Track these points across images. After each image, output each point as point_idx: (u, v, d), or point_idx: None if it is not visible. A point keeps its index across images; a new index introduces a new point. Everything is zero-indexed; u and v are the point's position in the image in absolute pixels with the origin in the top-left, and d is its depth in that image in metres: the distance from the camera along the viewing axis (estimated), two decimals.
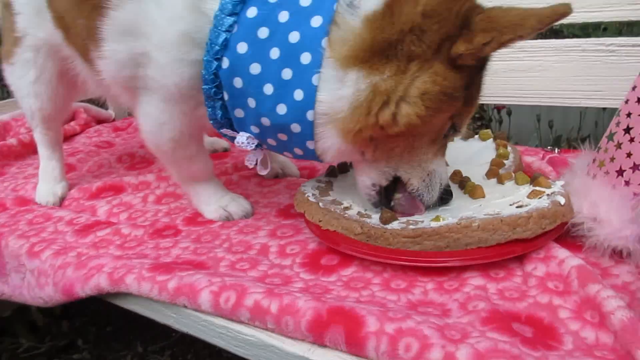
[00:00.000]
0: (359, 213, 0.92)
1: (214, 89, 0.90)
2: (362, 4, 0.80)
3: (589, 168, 0.91)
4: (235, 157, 1.52)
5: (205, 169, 1.13)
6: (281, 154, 1.00)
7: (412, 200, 0.93)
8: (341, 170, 1.11)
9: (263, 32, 0.83)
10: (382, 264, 0.86)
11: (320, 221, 0.94)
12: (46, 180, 1.36)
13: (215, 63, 0.86)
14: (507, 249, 0.82)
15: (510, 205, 0.87)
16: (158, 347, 1.71)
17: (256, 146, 0.95)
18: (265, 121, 0.88)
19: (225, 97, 0.90)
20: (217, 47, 0.85)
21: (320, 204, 0.96)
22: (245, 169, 1.42)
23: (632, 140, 0.82)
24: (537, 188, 0.90)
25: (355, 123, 0.81)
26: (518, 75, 1.36)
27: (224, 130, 0.97)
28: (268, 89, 0.84)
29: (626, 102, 0.85)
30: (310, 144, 0.88)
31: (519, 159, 1.10)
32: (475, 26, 0.78)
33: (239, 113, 0.91)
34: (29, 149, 1.69)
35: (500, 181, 0.99)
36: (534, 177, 0.93)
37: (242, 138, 0.93)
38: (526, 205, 0.85)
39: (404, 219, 0.89)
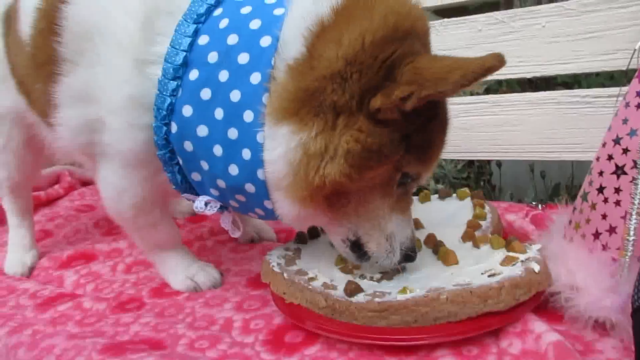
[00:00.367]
0: (324, 284, 0.87)
1: (168, 154, 0.88)
2: (288, 52, 0.77)
3: (565, 230, 0.86)
4: (213, 220, 1.48)
5: (171, 236, 1.09)
6: (246, 215, 0.96)
7: None
8: (311, 235, 1.06)
9: (206, 93, 0.81)
10: (348, 342, 0.80)
11: (284, 293, 0.88)
12: (15, 250, 1.33)
13: (164, 128, 0.85)
14: (480, 324, 0.76)
15: (482, 273, 0.81)
16: None
17: (221, 208, 0.92)
18: (221, 183, 0.85)
19: (180, 161, 0.88)
20: (164, 112, 0.84)
21: (285, 274, 0.91)
22: (221, 233, 1.38)
23: (606, 200, 0.78)
24: (511, 254, 0.84)
25: (301, 190, 0.77)
26: (494, 130, 1.33)
27: (185, 195, 0.94)
28: (217, 150, 0.82)
29: (597, 159, 0.81)
30: (268, 204, 0.84)
31: (497, 218, 1.05)
32: (399, 77, 0.72)
33: (195, 177, 0.89)
34: (5, 215, 1.67)
35: (476, 245, 0.93)
36: (508, 241, 0.88)
37: (200, 204, 0.90)
38: (498, 274, 0.80)
39: (370, 291, 0.83)
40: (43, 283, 1.21)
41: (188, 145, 0.85)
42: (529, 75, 1.26)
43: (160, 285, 1.11)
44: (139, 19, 0.84)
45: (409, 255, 0.87)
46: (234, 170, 0.82)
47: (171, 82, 0.82)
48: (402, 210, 0.86)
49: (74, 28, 0.88)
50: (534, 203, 1.27)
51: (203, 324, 0.94)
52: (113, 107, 0.87)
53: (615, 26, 1.15)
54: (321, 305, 0.83)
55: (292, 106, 0.75)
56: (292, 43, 0.77)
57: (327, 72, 0.74)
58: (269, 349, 0.83)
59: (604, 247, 0.77)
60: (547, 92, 1.25)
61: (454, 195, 1.15)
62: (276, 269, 0.92)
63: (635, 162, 0.74)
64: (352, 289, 0.82)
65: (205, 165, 0.85)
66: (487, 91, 2.11)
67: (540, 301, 0.80)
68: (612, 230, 0.77)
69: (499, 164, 2.17)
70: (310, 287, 0.86)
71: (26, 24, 0.97)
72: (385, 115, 0.74)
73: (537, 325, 0.76)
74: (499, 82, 2.04)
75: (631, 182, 0.74)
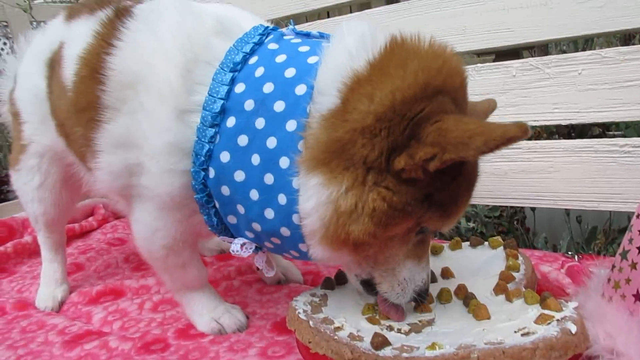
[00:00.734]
0: (350, 335, 0.85)
1: (205, 198, 0.90)
2: (322, 102, 0.78)
3: (604, 288, 0.82)
4: (241, 260, 1.47)
5: (199, 277, 1.09)
6: (281, 255, 0.97)
7: (393, 306, 0.89)
8: (338, 281, 1.04)
9: (243, 140, 0.83)
10: None
11: (309, 342, 0.86)
12: (47, 284, 1.35)
13: (202, 173, 0.87)
14: None
15: (516, 332, 0.78)
16: None
17: (257, 248, 0.93)
18: (257, 226, 0.86)
19: (217, 204, 0.90)
20: (202, 158, 0.86)
21: (311, 322, 0.89)
22: (248, 272, 1.37)
23: None
24: (546, 312, 0.81)
25: (332, 242, 0.79)
26: (529, 176, 1.30)
27: (222, 238, 0.96)
28: (254, 194, 0.83)
29: (637, 216, 0.78)
30: (303, 247, 0.85)
31: (531, 270, 1.02)
32: (424, 137, 0.71)
33: (231, 219, 0.90)
34: None
35: (509, 298, 0.90)
36: (543, 297, 0.85)
37: (236, 247, 0.91)
38: (533, 333, 0.76)
39: (397, 344, 0.81)
40: (72, 319, 1.23)
41: (225, 190, 0.86)
42: (564, 122, 1.24)
43: (185, 327, 1.11)
44: (179, 69, 0.87)
45: (419, 297, 0.88)
46: (269, 214, 0.83)
47: (209, 129, 0.84)
48: (418, 256, 0.87)
49: (118, 77, 0.91)
50: (569, 253, 1.23)
51: None
52: (153, 152, 0.89)
53: None
54: (347, 357, 0.80)
55: (323, 157, 0.76)
56: (326, 94, 0.78)
57: (359, 125, 0.74)
58: None
59: None
60: (584, 139, 1.22)
61: (486, 243, 1.12)
62: (302, 316, 0.91)
63: None
64: (379, 342, 0.80)
65: (241, 209, 0.86)
66: None
67: None
68: None
69: (532, 207, 2.12)
70: (336, 337, 0.84)
71: (69, 70, 1.01)
72: (409, 175, 0.74)
73: None
74: (534, 127, 2.01)
75: None
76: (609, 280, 0.82)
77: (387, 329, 0.87)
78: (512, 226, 2.12)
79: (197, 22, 0.92)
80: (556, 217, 2.21)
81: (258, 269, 1.29)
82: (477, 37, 1.36)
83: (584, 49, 2.21)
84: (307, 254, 0.86)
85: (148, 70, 0.89)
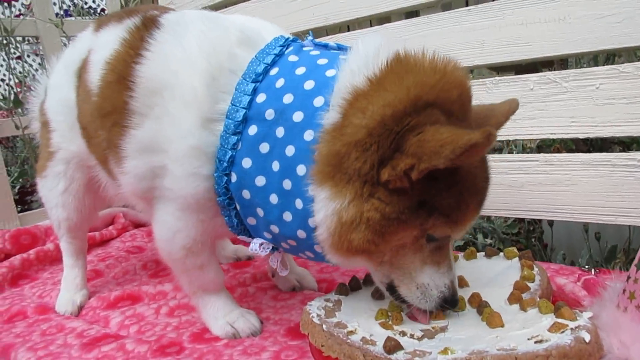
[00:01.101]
0: (363, 339, 0.85)
1: (227, 201, 0.94)
2: (328, 117, 0.81)
3: (619, 299, 0.82)
4: (256, 267, 1.49)
5: (216, 280, 1.11)
6: (297, 256, 1.00)
7: (419, 310, 0.90)
8: (352, 287, 1.05)
9: (264, 147, 0.87)
10: None
11: (322, 346, 0.87)
12: (67, 289, 1.38)
13: (225, 178, 0.91)
14: None
15: (529, 339, 0.78)
16: None
17: (272, 249, 0.97)
18: (275, 228, 0.90)
19: (237, 207, 0.94)
20: (225, 164, 0.90)
21: (324, 326, 0.90)
22: (263, 280, 1.38)
23: None
24: (560, 320, 0.81)
25: (340, 249, 0.83)
26: (545, 189, 1.30)
27: (241, 237, 1.00)
28: (273, 198, 0.87)
29: None
30: (317, 248, 0.89)
31: (546, 281, 1.01)
32: (406, 149, 0.74)
33: (251, 221, 0.94)
34: None
35: (523, 308, 0.90)
36: (557, 307, 0.84)
37: (254, 246, 0.96)
38: (546, 341, 0.76)
39: (410, 349, 0.81)
40: (90, 322, 1.25)
41: (246, 194, 0.90)
42: (581, 136, 1.24)
43: (200, 331, 1.12)
44: (204, 77, 0.91)
45: (447, 302, 0.88)
46: (287, 217, 0.87)
47: (232, 136, 0.89)
48: (437, 263, 0.87)
49: (146, 84, 0.95)
50: (586, 267, 1.22)
51: None
52: (177, 156, 0.93)
53: None
54: None
55: (328, 170, 0.80)
56: (332, 109, 0.82)
57: (352, 139, 0.78)
58: None
59: None
60: (601, 153, 1.22)
61: (502, 254, 1.12)
62: (316, 320, 0.91)
63: None
64: (392, 346, 0.81)
65: (260, 212, 0.90)
66: (540, 149, 2.08)
67: None
68: None
69: (550, 222, 2.10)
70: (349, 341, 0.85)
71: (95, 75, 1.05)
72: (395, 185, 0.77)
73: None
74: (553, 140, 2.00)
75: None
76: (624, 291, 0.81)
77: (399, 334, 0.87)
78: (529, 242, 2.10)
79: (221, 32, 0.96)
80: (574, 234, 2.18)
81: (273, 275, 1.32)
82: (495, 51, 1.37)
83: (604, 64, 2.21)
84: (322, 255, 0.89)
85: (174, 78, 0.93)
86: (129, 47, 0.99)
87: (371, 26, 1.72)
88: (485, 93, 1.34)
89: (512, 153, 2.00)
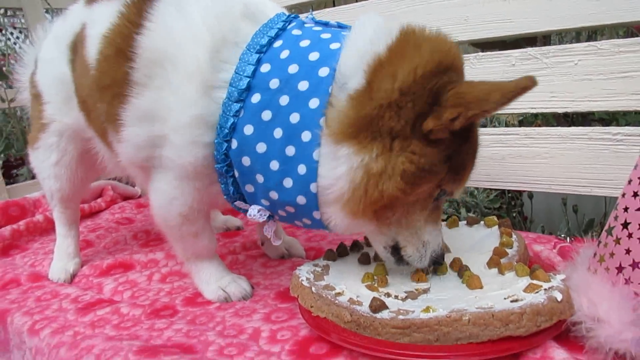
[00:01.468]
0: (350, 300, 0.90)
1: (225, 168, 0.96)
2: (349, 84, 0.86)
3: (590, 262, 0.87)
4: (245, 237, 1.53)
5: (209, 247, 1.14)
6: (292, 224, 1.04)
7: None
8: (340, 254, 1.10)
9: (267, 115, 0.90)
10: (371, 355, 0.83)
11: (311, 307, 0.92)
12: (60, 258, 1.41)
13: (225, 144, 0.94)
14: (500, 347, 0.78)
15: (505, 299, 0.83)
16: None
17: (268, 217, 1.00)
18: (274, 195, 0.93)
19: (236, 174, 0.97)
20: (226, 131, 0.93)
21: (313, 288, 0.94)
22: (253, 248, 1.42)
23: (630, 236, 0.79)
24: (534, 282, 0.86)
25: (358, 204, 0.87)
26: (525, 161, 1.35)
27: (238, 203, 1.03)
28: (274, 165, 0.91)
29: (623, 195, 0.82)
30: (316, 214, 0.93)
31: (523, 248, 1.07)
32: (445, 102, 0.82)
33: (249, 188, 0.97)
34: (53, 225, 1.76)
35: (501, 272, 0.95)
36: (532, 270, 0.90)
37: (253, 211, 0.99)
38: (521, 300, 0.81)
39: (394, 308, 0.86)
40: (84, 289, 1.28)
41: (246, 160, 0.93)
42: (560, 111, 1.28)
43: (193, 295, 1.16)
44: (207, 49, 0.93)
45: (437, 261, 0.97)
46: (288, 183, 0.91)
47: (235, 104, 0.91)
48: (434, 221, 0.96)
49: (147, 55, 0.97)
50: (562, 236, 1.28)
51: (232, 332, 0.98)
52: (178, 125, 0.95)
53: None
54: (346, 320, 0.86)
55: (351, 131, 0.85)
56: (352, 76, 0.86)
57: (385, 101, 0.83)
58: (294, 358, 0.87)
59: (627, 281, 0.78)
60: (579, 127, 1.27)
61: (482, 222, 1.17)
62: (305, 283, 0.96)
63: None
64: (377, 306, 0.85)
65: (260, 179, 0.93)
66: (522, 123, 2.13)
67: (562, 330, 0.81)
68: (635, 265, 0.78)
69: (530, 195, 2.17)
70: (336, 301, 0.90)
71: (92, 49, 1.06)
72: (437, 135, 0.84)
73: (557, 352, 0.78)
74: (535, 115, 2.05)
75: None
76: (594, 255, 0.87)
77: (385, 295, 0.92)
78: (510, 215, 2.17)
79: (225, 6, 0.98)
80: (553, 207, 2.25)
81: (262, 244, 1.36)
82: (478, 27, 1.40)
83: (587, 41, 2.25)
84: (320, 221, 0.94)
85: (177, 49, 0.95)
86: (126, 20, 1.00)
87: (357, 2, 1.74)
88: (469, 68, 1.37)
89: (495, 127, 2.05)
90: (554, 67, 1.29)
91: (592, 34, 2.14)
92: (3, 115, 2.88)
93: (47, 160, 1.33)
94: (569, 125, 2.04)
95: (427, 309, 0.83)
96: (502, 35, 1.38)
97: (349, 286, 0.95)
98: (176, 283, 1.24)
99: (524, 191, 2.10)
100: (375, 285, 0.95)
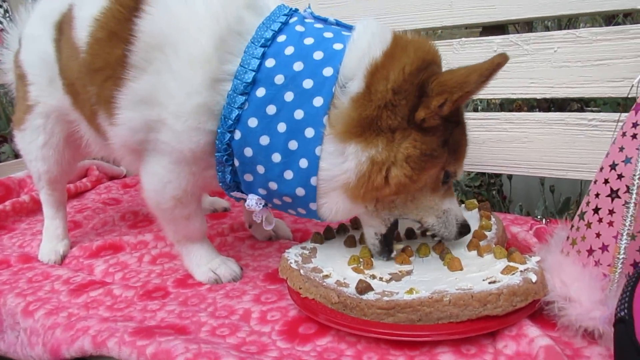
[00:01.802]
0: (337, 282, 0.95)
1: (225, 157, 0.99)
2: (350, 86, 0.91)
3: (563, 245, 0.92)
4: (233, 218, 1.56)
5: (200, 229, 1.17)
6: (286, 212, 1.07)
7: None
8: (327, 237, 1.14)
9: (271, 109, 0.93)
10: (357, 335, 0.88)
11: (300, 288, 0.96)
12: (49, 239, 1.41)
13: (228, 135, 0.96)
14: (479, 325, 0.83)
15: (484, 280, 0.89)
16: None
17: (263, 206, 1.03)
18: (273, 185, 0.97)
19: (236, 163, 1.00)
20: (230, 122, 0.95)
21: (302, 271, 0.98)
22: (240, 230, 1.46)
23: (600, 220, 0.84)
24: (511, 264, 0.91)
25: (360, 189, 0.92)
26: (504, 145, 1.39)
27: (234, 193, 1.06)
28: (276, 157, 0.94)
29: (595, 182, 0.87)
30: (312, 205, 0.98)
31: (502, 230, 1.12)
32: (431, 92, 0.89)
33: (248, 177, 1.00)
34: (40, 206, 1.75)
35: (480, 254, 1.00)
36: (509, 252, 0.95)
37: (251, 201, 1.02)
38: (498, 282, 0.87)
39: (379, 290, 0.91)
40: (75, 271, 1.30)
41: (248, 151, 0.96)
42: (539, 97, 1.33)
43: (183, 277, 1.19)
44: (213, 38, 0.94)
45: (463, 230, 1.02)
46: (288, 175, 0.95)
47: (240, 96, 0.94)
48: (451, 196, 1.02)
49: (147, 39, 0.97)
50: (538, 217, 1.33)
51: (224, 313, 1.02)
52: (180, 112, 0.96)
53: (623, 55, 1.21)
54: (334, 301, 0.90)
55: (356, 130, 0.91)
56: (354, 79, 0.92)
57: (382, 102, 0.90)
58: (284, 338, 0.91)
59: (596, 263, 0.84)
60: (556, 113, 1.32)
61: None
62: (293, 266, 1.00)
63: (628, 187, 0.81)
64: (363, 287, 0.90)
65: (261, 169, 0.97)
66: (502, 106, 2.18)
67: (536, 309, 0.87)
68: (604, 248, 0.83)
69: (509, 176, 2.23)
70: (324, 283, 0.94)
71: (82, 32, 1.06)
72: (430, 123, 0.90)
73: (531, 330, 0.83)
74: (513, 100, 2.10)
75: (624, 205, 0.81)
76: (567, 238, 0.92)
77: (370, 277, 0.96)
78: (490, 195, 2.23)
79: None
80: (531, 187, 2.32)
81: (250, 226, 1.39)
82: (463, 13, 1.43)
83: (567, 27, 2.29)
84: (314, 212, 0.98)
85: (178, 35, 0.95)
86: (117, 3, 1.00)
87: None
88: (452, 54, 1.40)
89: (477, 110, 2.09)
90: (534, 54, 1.32)
91: (571, 20, 2.18)
92: None
93: (34, 142, 1.32)
94: (548, 107, 2.10)
95: (410, 291, 0.87)
96: (486, 22, 1.41)
97: (336, 268, 1.00)
98: (167, 265, 1.27)
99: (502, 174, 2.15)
100: (361, 267, 1.00)
